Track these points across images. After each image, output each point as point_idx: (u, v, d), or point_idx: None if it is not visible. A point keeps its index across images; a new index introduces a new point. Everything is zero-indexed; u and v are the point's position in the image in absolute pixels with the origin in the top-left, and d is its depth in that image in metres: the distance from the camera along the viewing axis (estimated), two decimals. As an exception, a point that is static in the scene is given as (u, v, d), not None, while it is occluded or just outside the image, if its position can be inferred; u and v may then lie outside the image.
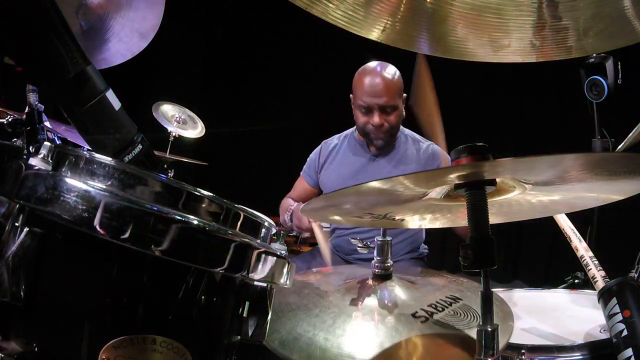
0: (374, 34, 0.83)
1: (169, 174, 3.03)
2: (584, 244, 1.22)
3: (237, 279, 0.73)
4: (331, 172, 2.20)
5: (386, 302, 1.02)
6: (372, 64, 2.02)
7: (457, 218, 0.98)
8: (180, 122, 3.36)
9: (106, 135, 0.86)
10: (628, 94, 2.44)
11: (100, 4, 1.08)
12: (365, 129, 2.03)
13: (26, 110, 1.15)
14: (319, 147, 2.30)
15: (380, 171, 2.07)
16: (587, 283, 2.22)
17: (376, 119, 1.95)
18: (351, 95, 2.07)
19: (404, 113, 2.06)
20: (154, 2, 1.09)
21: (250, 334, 0.74)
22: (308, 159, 2.32)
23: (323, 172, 2.23)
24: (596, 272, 1.14)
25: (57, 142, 1.35)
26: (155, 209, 0.60)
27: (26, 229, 0.62)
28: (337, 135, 2.29)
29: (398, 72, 2.00)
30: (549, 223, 1.23)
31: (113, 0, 1.08)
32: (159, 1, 1.08)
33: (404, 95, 2.03)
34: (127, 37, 1.12)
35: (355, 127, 2.17)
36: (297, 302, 1.03)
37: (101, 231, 0.57)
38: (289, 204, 2.15)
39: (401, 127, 2.15)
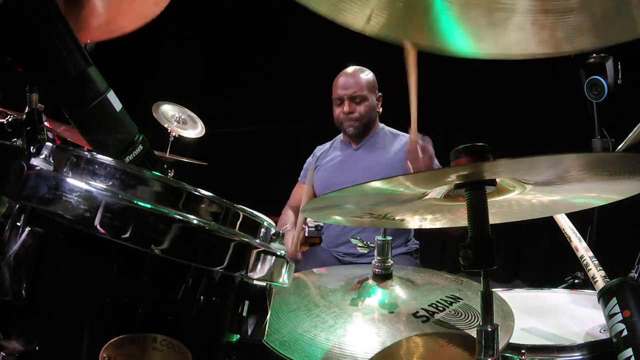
0: (360, 24, 0.82)
1: (169, 174, 3.04)
2: (584, 244, 1.22)
3: (236, 278, 0.74)
4: (320, 170, 2.42)
5: (387, 302, 1.02)
6: (349, 67, 2.33)
7: (457, 218, 0.98)
8: (180, 122, 3.36)
9: (107, 136, 0.86)
10: (628, 94, 2.44)
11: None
12: (338, 120, 2.32)
13: (26, 110, 1.14)
14: (313, 152, 2.54)
15: (361, 161, 2.29)
16: (587, 283, 2.22)
17: (346, 107, 2.27)
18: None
19: (378, 108, 2.35)
20: None
21: (249, 332, 0.74)
22: (305, 164, 2.53)
23: (315, 172, 2.40)
24: (596, 272, 1.14)
25: (57, 142, 1.35)
26: (156, 208, 0.60)
27: (28, 229, 0.62)
28: (329, 142, 2.54)
29: (371, 74, 2.34)
30: (549, 223, 1.22)
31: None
32: None
33: (379, 93, 2.34)
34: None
35: None
36: (297, 302, 1.03)
37: (102, 230, 0.58)
38: (287, 218, 2.41)
39: (381, 125, 2.41)
